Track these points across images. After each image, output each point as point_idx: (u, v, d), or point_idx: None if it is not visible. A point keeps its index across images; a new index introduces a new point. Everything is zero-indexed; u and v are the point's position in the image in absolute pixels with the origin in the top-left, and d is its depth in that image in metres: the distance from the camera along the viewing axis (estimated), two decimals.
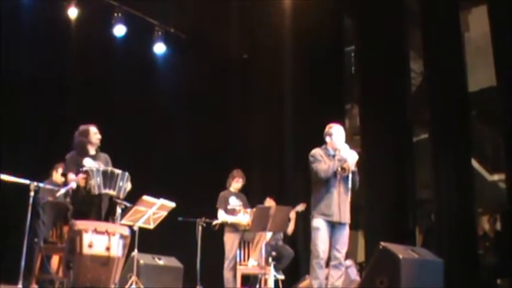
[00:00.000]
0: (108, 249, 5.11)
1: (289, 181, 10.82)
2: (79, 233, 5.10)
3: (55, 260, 6.31)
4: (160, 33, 11.42)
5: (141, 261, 7.60)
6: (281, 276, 8.89)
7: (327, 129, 6.95)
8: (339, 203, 6.60)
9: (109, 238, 5.14)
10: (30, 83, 9.66)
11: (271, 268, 8.36)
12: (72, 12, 10.43)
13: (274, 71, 11.85)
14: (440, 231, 10.45)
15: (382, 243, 5.41)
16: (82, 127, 6.95)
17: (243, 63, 12.01)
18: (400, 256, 5.20)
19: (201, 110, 11.44)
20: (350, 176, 6.72)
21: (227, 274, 8.42)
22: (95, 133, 6.90)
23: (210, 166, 10.86)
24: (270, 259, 8.37)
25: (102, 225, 5.30)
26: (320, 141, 6.96)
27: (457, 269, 9.51)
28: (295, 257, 9.29)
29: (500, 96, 10.41)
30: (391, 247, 5.35)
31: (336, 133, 6.88)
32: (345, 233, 6.67)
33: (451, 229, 10.09)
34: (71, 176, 6.58)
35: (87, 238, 5.06)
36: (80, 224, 5.24)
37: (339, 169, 6.64)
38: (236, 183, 8.83)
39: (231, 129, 11.61)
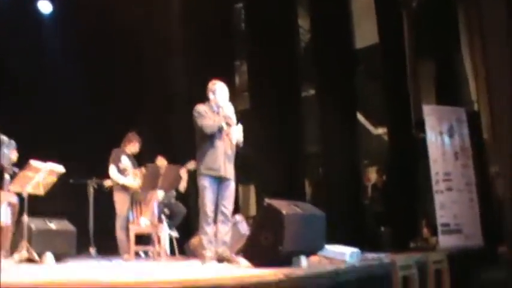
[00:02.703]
0: None
1: (178, 139, 10.86)
2: None
3: None
4: None
5: (32, 226, 7.49)
6: (174, 233, 9.00)
7: (210, 86, 7.01)
8: (224, 158, 6.78)
9: None
10: None
11: (164, 225, 8.51)
12: None
13: (165, 32, 11.77)
14: (328, 183, 10.90)
15: (267, 200, 5.62)
16: None
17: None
18: (284, 212, 5.42)
19: (89, 69, 11.27)
20: (234, 130, 6.87)
21: (120, 234, 8.42)
22: None
23: (98, 126, 10.77)
24: (163, 216, 8.50)
25: None
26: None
27: (344, 219, 9.98)
28: (187, 214, 9.39)
29: (381, 53, 10.90)
30: (275, 203, 5.57)
31: (220, 90, 6.97)
32: (230, 189, 6.85)
33: (338, 181, 10.55)
34: None
35: None
36: None
37: (224, 124, 6.80)
38: (133, 147, 8.83)
39: (118, 87, 11.47)
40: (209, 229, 6.73)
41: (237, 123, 6.87)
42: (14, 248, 6.85)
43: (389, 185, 10.80)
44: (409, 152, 10.34)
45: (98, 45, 11.16)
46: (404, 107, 10.58)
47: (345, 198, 10.40)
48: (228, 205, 6.82)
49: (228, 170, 6.80)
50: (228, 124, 6.80)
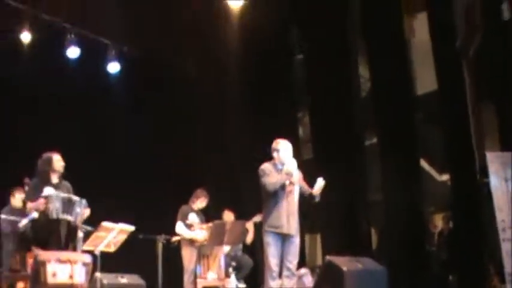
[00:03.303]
0: (71, 277, 5.37)
1: (245, 192, 11.08)
2: (42, 264, 5.35)
3: (19, 286, 6.54)
4: (114, 52, 11.65)
5: (105, 281, 7.81)
6: (242, 285, 9.16)
7: (274, 145, 7.20)
8: (288, 215, 6.90)
9: (72, 266, 5.40)
10: None
11: (232, 277, 8.68)
12: (25, 37, 10.60)
13: (225, 88, 12.10)
14: (393, 231, 10.87)
15: (328, 257, 5.75)
16: (45, 155, 7.05)
17: (194, 81, 12.22)
18: (344, 268, 5.54)
19: (157, 128, 11.71)
20: (297, 188, 7.07)
21: None
22: (58, 160, 7.03)
23: (166, 182, 11.14)
24: (230, 269, 8.68)
25: (64, 255, 5.56)
26: None
27: (409, 267, 9.94)
28: (254, 266, 9.55)
29: (441, 99, 10.92)
30: (336, 260, 5.69)
31: (283, 148, 7.15)
32: (294, 244, 6.95)
33: (403, 229, 10.50)
34: (31, 204, 6.75)
35: (50, 268, 5.31)
36: (43, 255, 5.50)
37: (287, 182, 6.99)
38: (201, 203, 9.11)
39: (184, 145, 11.85)
40: (274, 284, 6.86)
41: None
42: None
43: (456, 232, 10.70)
44: (474, 198, 10.24)
45: (161, 105, 11.64)
46: (467, 152, 10.53)
47: (411, 246, 10.33)
48: (292, 260, 6.91)
49: (292, 227, 6.91)
50: (290, 182, 6.98)
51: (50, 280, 5.29)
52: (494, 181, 9.21)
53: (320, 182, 7.07)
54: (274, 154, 7.17)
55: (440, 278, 10.78)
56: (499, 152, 9.88)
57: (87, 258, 5.69)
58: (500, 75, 10.20)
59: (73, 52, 11.05)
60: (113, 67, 11.80)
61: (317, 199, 7.18)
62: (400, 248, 10.36)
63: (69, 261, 5.44)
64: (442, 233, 11.46)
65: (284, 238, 6.92)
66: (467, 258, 10.04)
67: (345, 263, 5.67)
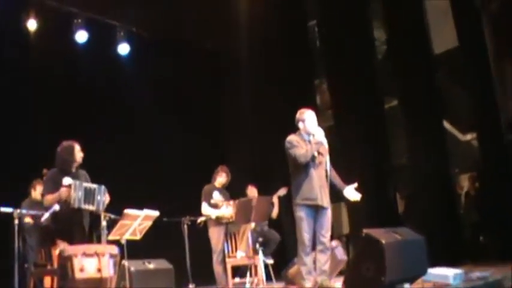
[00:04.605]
0: (99, 270, 5.19)
1: (268, 166, 10.91)
2: (69, 259, 5.17)
3: (47, 281, 6.37)
4: (122, 33, 11.44)
5: (132, 269, 7.67)
6: (270, 261, 9.02)
7: (298, 115, 7.01)
8: (320, 186, 6.76)
9: (99, 259, 5.22)
10: None
11: (260, 254, 8.50)
12: (31, 25, 10.37)
13: (244, 61, 11.87)
14: (419, 195, 10.67)
15: (365, 230, 5.53)
16: (66, 144, 6.79)
17: (210, 54, 12.01)
18: (383, 241, 5.32)
19: (174, 106, 11.51)
20: (327, 158, 6.87)
21: (217, 268, 8.52)
22: (78, 151, 6.79)
23: (188, 164, 10.97)
24: (257, 245, 8.50)
25: (90, 248, 5.37)
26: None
27: (440, 230, 9.74)
28: (281, 240, 9.41)
29: (462, 56, 10.61)
30: (374, 232, 5.47)
31: (309, 118, 6.96)
32: (327, 217, 6.82)
33: (430, 192, 10.30)
34: (50, 196, 6.50)
35: (77, 263, 5.14)
36: (69, 250, 5.31)
37: (316, 153, 6.77)
38: (220, 178, 8.89)
39: (206, 123, 11.69)
40: (308, 259, 6.72)
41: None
42: None
43: (484, 192, 10.47)
44: (502, 156, 9.98)
45: (177, 82, 11.44)
46: (492, 109, 10.25)
47: (439, 208, 10.13)
48: (325, 234, 6.78)
49: (325, 199, 6.77)
50: (319, 153, 6.76)
51: (78, 275, 5.12)
52: None
53: (355, 195, 6.97)
54: (300, 125, 6.98)
55: (471, 239, 10.59)
56: None
57: (114, 250, 5.50)
58: None
59: (81, 36, 10.85)
60: (123, 49, 11.59)
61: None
62: (428, 212, 10.16)
63: (96, 254, 5.26)
64: (468, 194, 11.24)
65: (317, 211, 6.77)
66: (497, 219, 9.84)
67: (383, 235, 5.44)
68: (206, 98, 12.01)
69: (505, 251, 9.24)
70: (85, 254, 5.21)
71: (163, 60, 11.58)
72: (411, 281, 5.73)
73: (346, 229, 12.09)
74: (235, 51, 11.93)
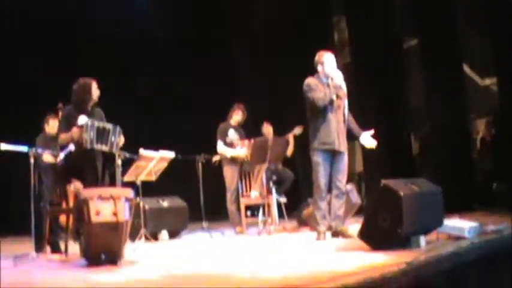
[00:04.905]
0: (115, 214, 5.15)
1: (284, 104, 10.83)
2: (85, 202, 5.13)
3: (62, 219, 6.40)
4: None
5: (146, 206, 7.74)
6: (283, 199, 9.01)
7: (317, 58, 6.89)
8: (338, 131, 6.71)
9: (115, 203, 5.16)
10: None
11: (273, 192, 8.51)
12: None
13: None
14: (434, 137, 10.59)
15: (383, 181, 5.46)
16: (82, 81, 6.62)
17: None
18: (401, 193, 5.26)
19: (188, 46, 11.35)
20: (346, 103, 6.78)
21: (231, 207, 8.58)
22: (95, 89, 6.63)
23: (202, 101, 10.90)
24: (271, 183, 8.49)
25: (106, 191, 5.31)
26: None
27: (453, 175, 9.70)
28: (295, 179, 9.38)
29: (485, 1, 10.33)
30: (392, 184, 5.41)
31: (328, 61, 6.84)
32: (344, 162, 6.81)
33: (445, 135, 10.21)
34: (64, 135, 6.44)
35: (93, 206, 5.09)
36: (84, 193, 5.28)
37: (335, 97, 6.67)
38: (236, 116, 8.87)
39: (220, 62, 11.55)
40: (323, 204, 6.74)
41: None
42: (132, 230, 6.99)
43: (501, 138, 10.36)
44: None
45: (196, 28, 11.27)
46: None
47: (453, 152, 10.06)
48: (342, 179, 6.78)
49: (342, 143, 6.73)
50: (338, 96, 6.66)
51: (94, 219, 5.09)
52: None
53: (371, 142, 6.95)
54: (319, 67, 6.87)
55: (483, 186, 10.53)
56: None
57: (130, 193, 5.46)
58: None
59: None
60: None
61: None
62: (442, 155, 10.11)
63: (112, 198, 5.20)
64: (484, 140, 11.16)
65: (334, 155, 6.75)
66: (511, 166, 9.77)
67: (401, 186, 5.37)
68: (219, 38, 11.81)
69: None
70: (101, 198, 5.16)
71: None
72: (426, 232, 5.70)
73: (359, 167, 12.09)
74: None
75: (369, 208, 5.69)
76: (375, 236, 5.44)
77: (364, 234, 5.53)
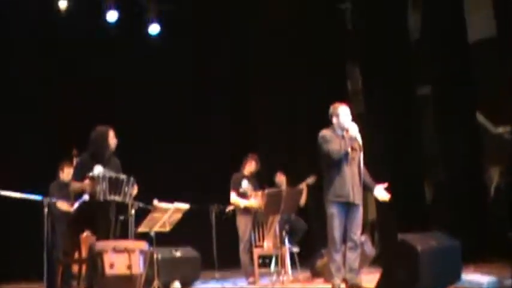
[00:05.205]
0: (129, 267, 5.13)
1: (297, 154, 10.83)
2: (99, 254, 5.11)
3: (74, 267, 6.35)
4: (153, 13, 11.24)
5: (159, 256, 7.67)
6: (296, 249, 8.93)
7: (332, 110, 6.89)
8: (352, 183, 6.66)
9: (129, 256, 5.15)
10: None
11: (286, 242, 8.43)
12: (62, 4, 10.27)
13: (272, 44, 11.70)
14: (448, 184, 10.52)
15: (400, 235, 5.42)
16: (100, 129, 6.62)
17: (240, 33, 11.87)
18: (419, 248, 5.21)
19: (205, 92, 11.43)
20: (361, 155, 6.74)
21: (243, 257, 8.52)
22: (112, 137, 6.63)
23: (217, 151, 10.93)
24: (284, 233, 8.43)
25: (121, 244, 5.31)
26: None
27: (467, 223, 9.60)
28: (308, 229, 9.31)
29: (499, 46, 10.34)
30: (409, 239, 5.36)
31: (342, 112, 6.84)
32: (359, 215, 6.75)
33: (459, 182, 10.13)
34: (76, 184, 6.41)
35: (107, 259, 5.08)
36: (99, 245, 5.25)
37: (350, 149, 6.65)
38: (249, 166, 8.86)
39: (235, 110, 11.62)
40: (338, 256, 6.65)
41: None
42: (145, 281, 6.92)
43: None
44: None
45: (207, 66, 11.34)
46: None
47: (467, 200, 9.96)
48: (356, 231, 6.72)
49: (357, 196, 6.68)
50: (353, 148, 6.64)
51: (108, 271, 5.07)
52: None
53: (384, 195, 6.89)
54: (334, 119, 6.86)
55: (498, 234, 10.39)
56: None
57: (145, 246, 5.43)
58: None
59: (112, 16, 10.71)
60: (154, 28, 11.40)
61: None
62: (456, 203, 10.01)
63: (127, 250, 5.18)
64: (498, 188, 11.05)
65: (348, 208, 6.69)
66: None
67: (418, 241, 5.32)
68: (235, 84, 11.88)
69: None
70: (115, 250, 5.14)
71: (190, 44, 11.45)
72: (445, 286, 5.62)
73: (372, 215, 11.99)
74: (266, 36, 11.73)
75: (385, 262, 5.62)
76: None
77: None
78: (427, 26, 10.98)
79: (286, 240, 8.43)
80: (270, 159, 9.56)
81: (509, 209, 10.39)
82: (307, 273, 8.75)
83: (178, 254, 8.03)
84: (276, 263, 8.42)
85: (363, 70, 11.63)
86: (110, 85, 10.50)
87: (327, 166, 6.74)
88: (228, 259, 8.90)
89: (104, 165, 6.49)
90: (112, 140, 6.64)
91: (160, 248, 7.84)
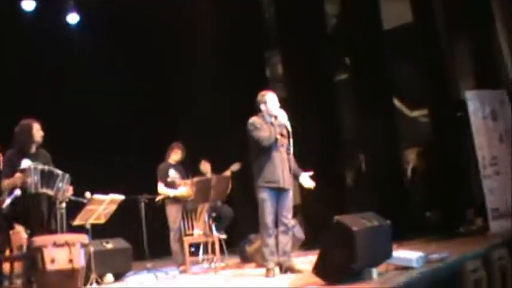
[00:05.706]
0: (70, 261, 5.06)
1: (220, 141, 10.87)
2: (39, 250, 5.02)
3: (6, 266, 6.18)
4: (72, 2, 11.03)
5: (91, 249, 7.58)
6: (223, 236, 9.01)
7: (260, 97, 6.98)
8: (282, 169, 6.79)
9: (70, 250, 5.08)
10: None
11: (213, 229, 8.50)
12: None
13: (192, 32, 11.70)
14: (367, 168, 10.84)
15: (336, 217, 5.56)
16: (24, 123, 6.52)
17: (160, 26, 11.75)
18: (354, 228, 5.37)
19: (125, 83, 11.29)
20: (290, 141, 6.87)
21: (174, 246, 8.55)
22: (37, 130, 6.52)
23: (143, 140, 10.83)
24: (211, 220, 8.50)
25: (61, 238, 5.22)
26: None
27: (387, 205, 9.90)
28: (234, 215, 9.40)
29: (413, 33, 10.71)
30: (344, 220, 5.52)
31: (270, 100, 6.95)
32: (289, 198, 6.89)
33: (377, 165, 10.45)
34: (7, 181, 6.27)
35: (48, 254, 4.99)
36: (38, 240, 5.16)
37: (279, 136, 6.77)
38: (175, 155, 8.88)
39: (157, 100, 11.57)
40: (270, 241, 6.77)
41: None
42: None
43: (431, 167, 10.69)
44: (451, 133, 10.21)
45: (128, 56, 11.19)
46: (442, 87, 10.44)
47: (386, 182, 10.27)
48: (287, 215, 6.86)
49: (287, 180, 6.81)
50: (282, 135, 6.76)
51: (49, 267, 4.98)
52: (474, 119, 9.18)
53: (309, 182, 7.06)
54: (262, 106, 6.95)
55: (417, 214, 10.80)
56: (475, 87, 9.83)
57: (85, 239, 5.37)
58: (473, 7, 10.04)
59: (28, 5, 10.48)
60: (72, 18, 11.21)
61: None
62: (375, 186, 10.32)
63: (67, 244, 5.10)
64: (415, 169, 11.47)
65: (279, 193, 6.81)
66: (443, 194, 10.09)
67: (353, 222, 5.49)
68: (156, 74, 11.80)
69: (452, 226, 9.56)
70: (56, 245, 5.06)
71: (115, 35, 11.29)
72: (377, 264, 5.82)
73: (296, 200, 12.16)
74: (186, 23, 11.70)
75: (322, 244, 5.76)
76: (329, 271, 5.51)
77: (318, 270, 5.60)
78: (343, 13, 11.26)
79: (214, 227, 8.50)
80: (193, 148, 9.52)
81: (425, 189, 10.87)
82: (236, 259, 8.85)
83: (109, 246, 7.97)
84: (205, 251, 8.47)
85: (283, 57, 11.78)
86: (29, 77, 10.19)
87: (257, 153, 6.82)
88: (159, 249, 8.89)
89: (32, 159, 6.38)
90: (37, 133, 6.54)
91: (92, 240, 7.75)
